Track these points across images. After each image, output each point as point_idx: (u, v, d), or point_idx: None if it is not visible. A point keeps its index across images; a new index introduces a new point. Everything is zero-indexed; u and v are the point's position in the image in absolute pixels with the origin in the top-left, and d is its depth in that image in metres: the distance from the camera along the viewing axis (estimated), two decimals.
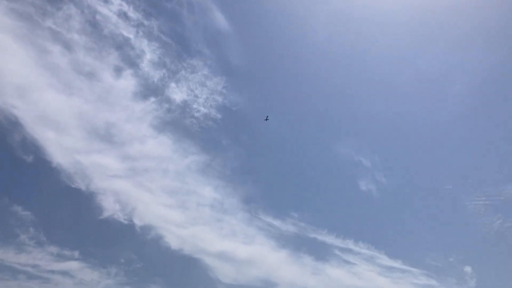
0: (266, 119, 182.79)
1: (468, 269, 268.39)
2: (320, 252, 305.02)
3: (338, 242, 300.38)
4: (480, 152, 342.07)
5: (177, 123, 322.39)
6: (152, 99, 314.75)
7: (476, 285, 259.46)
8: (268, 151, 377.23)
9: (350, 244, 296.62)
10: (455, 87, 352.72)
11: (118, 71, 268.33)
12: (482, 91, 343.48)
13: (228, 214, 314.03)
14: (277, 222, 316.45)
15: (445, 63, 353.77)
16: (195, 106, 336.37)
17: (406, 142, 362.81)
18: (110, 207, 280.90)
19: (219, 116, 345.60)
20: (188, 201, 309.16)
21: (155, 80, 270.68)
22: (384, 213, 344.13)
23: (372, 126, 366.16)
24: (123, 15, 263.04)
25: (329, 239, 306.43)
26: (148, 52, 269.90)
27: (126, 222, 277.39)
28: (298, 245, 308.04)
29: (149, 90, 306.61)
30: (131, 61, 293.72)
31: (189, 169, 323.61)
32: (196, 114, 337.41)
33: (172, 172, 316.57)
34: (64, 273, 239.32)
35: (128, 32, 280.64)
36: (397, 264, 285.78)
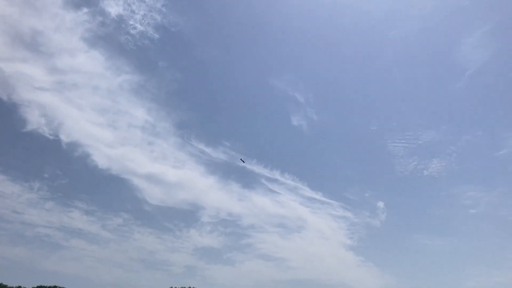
0: (242, 161, 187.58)
1: (381, 204, 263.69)
2: (248, 180, 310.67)
3: (265, 172, 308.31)
4: (407, 98, 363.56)
5: (111, 39, 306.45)
6: (85, 9, 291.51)
7: (386, 219, 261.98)
8: (205, 78, 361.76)
9: (276, 175, 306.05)
10: (394, 32, 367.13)
11: None
12: (419, 38, 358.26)
13: (160, 138, 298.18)
14: (208, 149, 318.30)
15: (386, 8, 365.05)
16: (131, 22, 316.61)
17: (341, 83, 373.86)
18: (34, 121, 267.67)
19: (156, 36, 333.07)
20: (119, 121, 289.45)
21: None
22: (311, 148, 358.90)
23: (310, 64, 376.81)
24: None
25: (258, 168, 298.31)
26: None
27: (51, 137, 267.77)
28: (227, 172, 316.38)
29: None
30: None
31: (121, 88, 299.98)
32: (132, 31, 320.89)
33: (103, 90, 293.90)
34: None
35: None
36: (318, 196, 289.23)
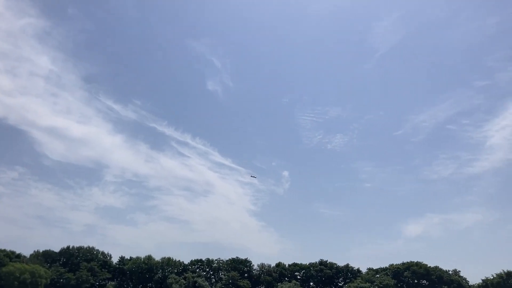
0: (253, 177, 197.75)
1: (286, 173, 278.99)
2: (157, 142, 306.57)
3: (176, 134, 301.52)
4: (319, 74, 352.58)
5: None
6: None
7: (289, 188, 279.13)
8: (119, 32, 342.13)
9: (187, 138, 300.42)
10: (312, 8, 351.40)
11: None
12: (335, 16, 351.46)
13: (65, 90, 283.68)
14: (117, 107, 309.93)
15: None
16: None
17: (259, 53, 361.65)
18: None
19: None
20: (19, 68, 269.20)
21: None
22: (224, 114, 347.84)
23: (231, 31, 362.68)
24: None
25: (168, 130, 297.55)
26: None
27: None
28: (136, 132, 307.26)
29: None
30: None
31: (23, 32, 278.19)
32: None
33: (2, 32, 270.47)
34: None
35: None
36: (227, 162, 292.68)
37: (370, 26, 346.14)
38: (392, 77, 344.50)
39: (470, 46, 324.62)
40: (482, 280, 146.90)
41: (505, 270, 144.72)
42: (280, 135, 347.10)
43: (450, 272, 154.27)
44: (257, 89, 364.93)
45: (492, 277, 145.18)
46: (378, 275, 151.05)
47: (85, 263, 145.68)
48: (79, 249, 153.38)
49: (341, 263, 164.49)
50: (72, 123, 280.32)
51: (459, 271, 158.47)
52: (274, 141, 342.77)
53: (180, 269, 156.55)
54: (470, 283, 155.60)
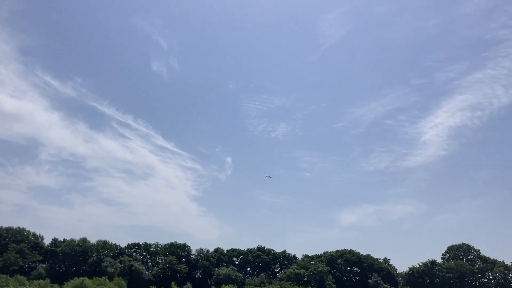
0: (268, 177, 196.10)
1: (229, 159, 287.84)
2: (97, 122, 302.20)
3: (117, 115, 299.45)
4: (266, 63, 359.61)
5: None
6: None
7: (231, 174, 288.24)
8: (62, 3, 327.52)
9: (129, 120, 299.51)
10: None
11: None
12: (284, 6, 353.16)
13: None
14: (56, 82, 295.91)
15: None
16: None
17: (207, 36, 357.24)
18: None
19: None
20: None
21: None
22: (169, 97, 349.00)
23: (180, 12, 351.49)
24: None
25: (109, 110, 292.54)
26: None
27: None
28: (75, 110, 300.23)
29: None
30: None
31: None
32: None
33: None
34: None
35: None
36: (169, 145, 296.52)
37: (317, 18, 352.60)
38: (335, 70, 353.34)
39: (411, 45, 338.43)
40: (409, 268, 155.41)
41: (430, 259, 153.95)
42: (225, 121, 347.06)
43: (381, 260, 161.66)
44: (204, 73, 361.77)
45: (418, 266, 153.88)
46: (313, 262, 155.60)
47: (14, 245, 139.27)
48: (8, 229, 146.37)
49: (278, 249, 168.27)
50: (5, 96, 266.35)
51: (388, 259, 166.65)
52: (219, 127, 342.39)
53: (116, 253, 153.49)
54: (398, 270, 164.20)
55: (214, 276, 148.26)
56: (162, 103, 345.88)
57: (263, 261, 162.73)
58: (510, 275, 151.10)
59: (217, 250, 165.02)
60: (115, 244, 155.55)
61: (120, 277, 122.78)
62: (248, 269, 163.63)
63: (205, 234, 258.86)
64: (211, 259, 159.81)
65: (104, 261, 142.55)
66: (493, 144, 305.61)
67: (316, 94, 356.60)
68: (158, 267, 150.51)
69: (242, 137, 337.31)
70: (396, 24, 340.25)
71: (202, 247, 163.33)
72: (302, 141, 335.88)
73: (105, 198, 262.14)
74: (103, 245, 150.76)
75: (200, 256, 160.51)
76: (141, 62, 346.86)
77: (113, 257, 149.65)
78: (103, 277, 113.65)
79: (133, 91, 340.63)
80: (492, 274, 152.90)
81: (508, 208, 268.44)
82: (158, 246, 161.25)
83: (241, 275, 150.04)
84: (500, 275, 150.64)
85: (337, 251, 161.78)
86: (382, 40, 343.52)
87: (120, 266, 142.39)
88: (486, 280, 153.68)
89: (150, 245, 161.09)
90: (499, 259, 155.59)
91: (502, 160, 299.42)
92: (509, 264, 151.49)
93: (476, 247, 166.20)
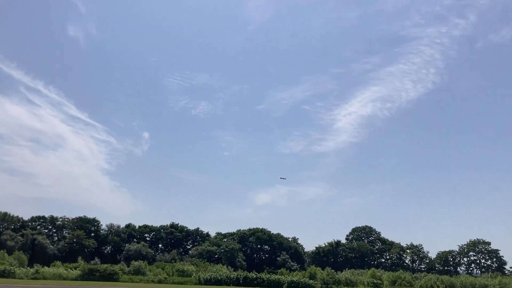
0: (283, 178, 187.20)
1: (146, 134, 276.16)
2: (2, 85, 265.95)
3: (26, 79, 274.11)
4: (190, 39, 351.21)
5: None
6: None
7: (148, 150, 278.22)
8: None
9: (39, 85, 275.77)
10: None
11: None
12: None
13: None
14: None
15: None
16: None
17: (131, 2, 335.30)
18: None
19: None
20: None
21: None
22: (85, 64, 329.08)
23: None
24: None
25: (17, 74, 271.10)
26: None
27: None
28: None
29: None
30: None
31: None
32: None
33: None
34: None
35: None
36: (83, 116, 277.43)
37: None
38: (260, 52, 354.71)
39: (332, 34, 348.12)
40: (316, 247, 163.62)
41: (335, 240, 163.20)
42: (144, 94, 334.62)
43: (290, 239, 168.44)
44: (125, 43, 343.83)
45: (324, 245, 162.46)
46: (225, 240, 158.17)
47: None
48: None
49: (192, 227, 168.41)
50: None
51: (297, 238, 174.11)
52: (137, 100, 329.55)
53: (18, 225, 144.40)
54: (306, 249, 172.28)
55: (124, 252, 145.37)
56: (77, 71, 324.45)
57: (176, 238, 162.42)
58: (405, 255, 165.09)
59: (128, 226, 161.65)
60: (17, 216, 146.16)
61: (21, 251, 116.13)
62: (160, 245, 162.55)
63: (117, 209, 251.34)
64: (122, 234, 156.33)
65: (3, 234, 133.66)
66: (399, 134, 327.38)
67: (239, 74, 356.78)
68: (64, 241, 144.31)
69: (162, 112, 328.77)
70: (319, 12, 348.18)
71: (113, 223, 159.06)
72: (223, 121, 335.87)
73: (8, 168, 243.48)
74: (3, 217, 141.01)
75: (110, 231, 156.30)
76: (55, 25, 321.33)
77: (15, 230, 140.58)
78: (1, 251, 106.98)
79: (46, 55, 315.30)
80: (389, 255, 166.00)
81: (407, 194, 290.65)
82: (66, 220, 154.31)
83: (152, 251, 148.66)
84: (396, 255, 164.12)
85: (250, 229, 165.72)
86: (305, 26, 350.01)
87: (21, 239, 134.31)
88: (384, 260, 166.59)
89: (56, 218, 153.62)
90: (396, 241, 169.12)
91: (406, 150, 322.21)
92: (405, 245, 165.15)
93: (377, 230, 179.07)
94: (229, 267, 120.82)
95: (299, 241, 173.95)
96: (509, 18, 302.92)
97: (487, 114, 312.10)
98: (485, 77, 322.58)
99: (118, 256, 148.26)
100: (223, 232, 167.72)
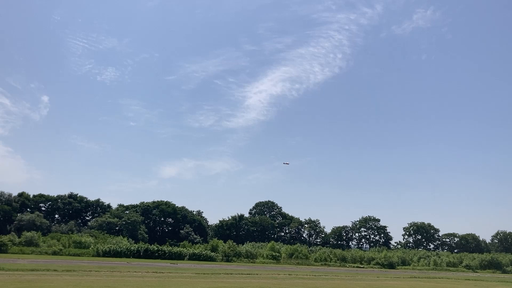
0: (286, 163, 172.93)
1: (45, 98, 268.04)
2: None
3: None
4: (101, 2, 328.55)
5: None
6: None
7: (47, 114, 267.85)
8: None
9: None
10: None
11: None
12: None
13: None
14: None
15: None
16: None
17: None
18: None
19: None
20: None
21: None
22: None
23: None
24: None
25: None
26: None
27: None
28: None
29: None
30: None
31: None
32: None
33: None
34: None
35: None
36: None
37: None
38: (173, 21, 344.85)
39: (247, 10, 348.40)
40: (220, 221, 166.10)
41: (238, 213, 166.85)
42: (45, 55, 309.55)
43: (194, 213, 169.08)
44: None
45: (228, 219, 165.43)
46: (127, 212, 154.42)
47: None
48: None
49: (92, 198, 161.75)
50: None
51: (202, 212, 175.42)
52: (37, 60, 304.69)
53: None
54: (210, 223, 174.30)
55: (15, 222, 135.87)
56: None
57: (74, 208, 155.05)
58: (303, 230, 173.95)
59: (21, 194, 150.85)
60: None
61: None
62: (57, 216, 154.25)
63: (9, 176, 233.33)
64: (14, 203, 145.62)
65: None
66: (305, 115, 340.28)
67: (150, 43, 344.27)
68: None
69: (64, 76, 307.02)
70: None
71: (3, 190, 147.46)
72: (131, 89, 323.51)
73: None
74: None
75: (0, 200, 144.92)
76: None
77: None
78: None
79: None
80: (288, 229, 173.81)
81: (309, 172, 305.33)
82: None
83: (47, 222, 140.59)
84: (295, 230, 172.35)
85: (154, 202, 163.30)
86: (221, 0, 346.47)
87: None
88: (283, 234, 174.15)
89: None
90: (296, 216, 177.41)
91: (311, 129, 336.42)
92: (303, 220, 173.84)
93: (279, 205, 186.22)
94: (130, 239, 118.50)
95: (203, 215, 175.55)
96: (411, 12, 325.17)
97: (384, 99, 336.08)
98: (384, 66, 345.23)
99: (8, 226, 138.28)
100: (126, 204, 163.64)
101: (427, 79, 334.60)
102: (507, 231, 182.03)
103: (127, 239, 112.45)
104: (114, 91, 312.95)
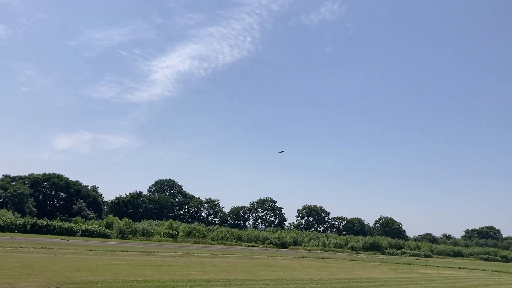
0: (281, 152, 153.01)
1: None
2: None
3: None
4: None
5: None
6: None
7: None
8: None
9: None
10: None
11: None
12: None
13: None
14: None
15: None
16: None
17: None
18: None
19: None
20: None
21: None
22: None
23: None
24: None
25: None
26: None
27: None
28: None
29: None
30: None
31: None
32: None
33: None
34: None
35: None
36: None
37: None
38: None
39: None
40: (117, 197, 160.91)
41: (137, 191, 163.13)
42: None
43: (89, 188, 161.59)
44: None
45: (125, 195, 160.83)
46: (14, 183, 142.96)
47: None
48: None
49: None
50: None
51: (97, 187, 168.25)
52: None
53: None
54: (106, 199, 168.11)
55: None
56: None
57: None
58: (202, 209, 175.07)
59: None
60: None
61: None
62: None
63: None
64: None
65: None
66: (212, 95, 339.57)
67: (49, 2, 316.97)
68: None
69: None
70: None
71: None
72: (24, 51, 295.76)
73: None
74: None
75: None
76: None
77: None
78: None
79: None
80: (188, 208, 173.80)
81: (212, 152, 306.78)
82: None
83: None
84: (194, 209, 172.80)
85: (45, 174, 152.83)
86: None
87: None
88: (182, 213, 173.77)
89: None
90: (196, 195, 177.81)
91: (216, 110, 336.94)
92: (203, 200, 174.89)
93: (180, 184, 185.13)
94: (16, 213, 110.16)
95: (99, 190, 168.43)
96: (319, 4, 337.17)
97: (287, 86, 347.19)
98: (291, 53, 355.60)
99: None
100: (13, 175, 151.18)
101: (328, 71, 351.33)
102: (388, 217, 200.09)
103: (12, 212, 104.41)
104: (5, 51, 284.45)
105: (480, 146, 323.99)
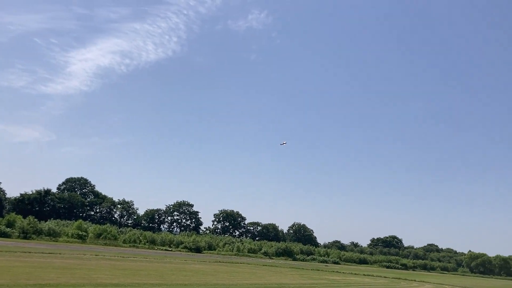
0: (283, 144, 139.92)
1: None
2: None
3: None
4: None
5: None
6: None
7: None
8: None
9: None
10: None
11: None
12: None
13: None
14: None
15: None
16: None
17: None
18: None
19: None
20: None
21: None
22: None
23: None
24: None
25: None
26: None
27: None
28: None
29: None
30: None
31: None
32: None
33: None
34: None
35: None
36: None
37: None
38: None
39: None
40: (21, 194, 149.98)
41: (45, 188, 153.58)
42: None
43: None
44: None
45: (31, 192, 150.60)
46: None
47: None
48: None
49: None
50: None
51: (0, 182, 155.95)
52: None
53: None
54: (9, 195, 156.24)
55: None
56: None
57: None
58: (115, 210, 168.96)
59: None
60: None
61: None
62: None
63: None
64: None
65: None
66: (132, 92, 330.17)
67: None
68: None
69: None
70: None
71: None
72: None
73: None
74: None
75: None
76: None
77: None
78: None
79: None
80: (100, 208, 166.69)
81: (126, 152, 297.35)
82: None
83: None
84: (106, 209, 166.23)
85: None
86: None
87: None
88: (93, 213, 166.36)
89: None
90: (110, 195, 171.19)
91: (136, 108, 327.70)
92: (117, 201, 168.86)
93: (93, 183, 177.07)
94: None
95: (1, 186, 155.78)
96: (247, 11, 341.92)
97: (213, 90, 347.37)
98: (216, 57, 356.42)
99: None
100: None
101: (253, 78, 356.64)
102: (301, 223, 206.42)
103: None
104: None
105: (387, 162, 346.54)
